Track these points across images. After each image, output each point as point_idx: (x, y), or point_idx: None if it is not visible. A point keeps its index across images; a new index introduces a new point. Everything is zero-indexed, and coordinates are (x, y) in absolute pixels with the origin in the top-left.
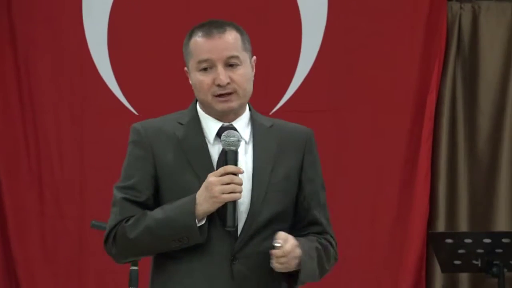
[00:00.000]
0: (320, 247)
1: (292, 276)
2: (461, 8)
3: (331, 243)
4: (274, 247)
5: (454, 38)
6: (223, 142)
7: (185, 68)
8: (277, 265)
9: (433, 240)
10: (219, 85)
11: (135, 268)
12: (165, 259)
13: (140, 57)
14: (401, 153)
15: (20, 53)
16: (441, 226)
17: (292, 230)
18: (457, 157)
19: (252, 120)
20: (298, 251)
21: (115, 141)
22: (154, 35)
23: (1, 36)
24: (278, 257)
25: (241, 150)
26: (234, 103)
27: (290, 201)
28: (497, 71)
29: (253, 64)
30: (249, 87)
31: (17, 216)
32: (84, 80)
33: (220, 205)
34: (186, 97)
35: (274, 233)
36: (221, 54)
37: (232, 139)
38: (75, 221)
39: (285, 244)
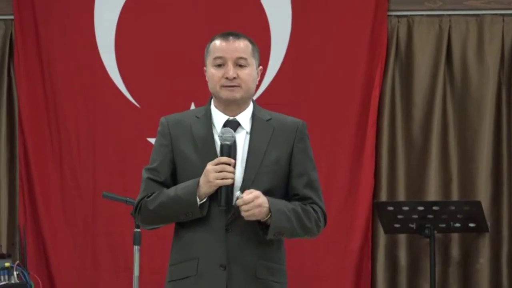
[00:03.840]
0: (298, 208)
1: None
2: (398, 21)
3: (314, 210)
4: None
5: (393, 45)
6: (219, 137)
7: (204, 68)
8: (243, 213)
9: (377, 207)
10: (227, 78)
11: (138, 230)
12: (180, 227)
13: (142, 59)
14: (351, 138)
15: (44, 57)
16: (383, 196)
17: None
18: (396, 140)
19: (253, 115)
20: (260, 201)
21: (121, 128)
22: (153, 41)
23: (28, 43)
24: (239, 205)
25: (241, 139)
26: (237, 94)
27: (279, 181)
28: (427, 72)
29: (259, 71)
30: (252, 85)
31: (43, 188)
32: (95, 79)
33: (215, 188)
34: (181, 93)
35: None
36: (233, 55)
37: (226, 135)
38: (89, 192)
39: (247, 195)
